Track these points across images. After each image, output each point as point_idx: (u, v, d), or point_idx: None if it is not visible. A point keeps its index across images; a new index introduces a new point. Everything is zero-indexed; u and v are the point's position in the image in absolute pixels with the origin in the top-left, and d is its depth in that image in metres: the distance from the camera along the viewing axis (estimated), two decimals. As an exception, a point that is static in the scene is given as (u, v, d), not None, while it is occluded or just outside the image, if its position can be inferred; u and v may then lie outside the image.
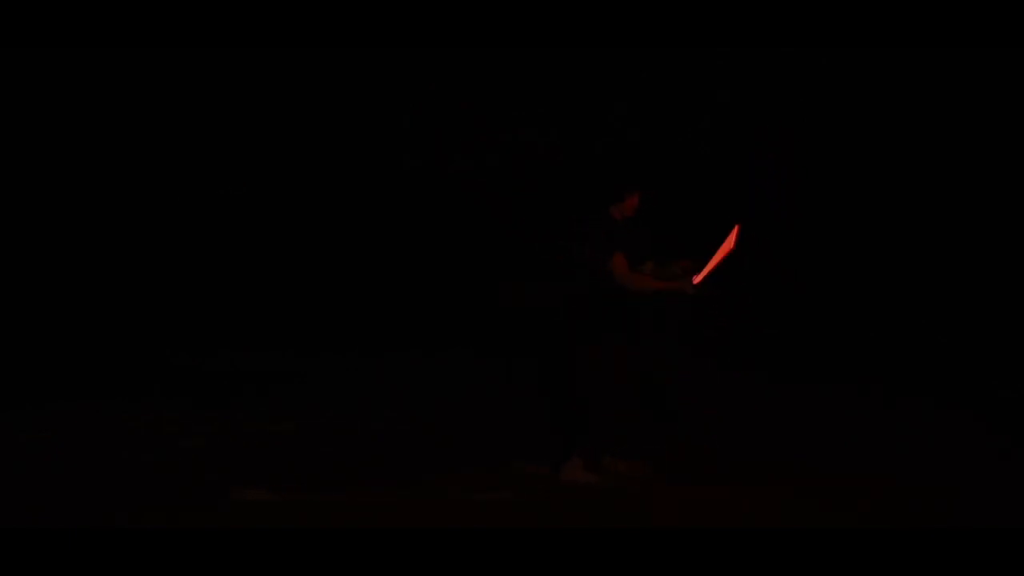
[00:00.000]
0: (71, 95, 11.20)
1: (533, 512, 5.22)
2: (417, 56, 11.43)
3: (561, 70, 11.87)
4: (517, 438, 6.87)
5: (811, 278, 11.95)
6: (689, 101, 12.03)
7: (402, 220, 12.25)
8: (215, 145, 11.67)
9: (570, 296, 6.02)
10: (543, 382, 6.62)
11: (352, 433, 7.21)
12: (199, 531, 4.67)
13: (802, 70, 11.78)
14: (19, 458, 6.29)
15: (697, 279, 5.93)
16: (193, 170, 11.67)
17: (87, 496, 5.38)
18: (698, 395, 6.33)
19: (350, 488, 5.64)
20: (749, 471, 6.22)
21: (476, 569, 4.27)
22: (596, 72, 11.85)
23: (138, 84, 11.35)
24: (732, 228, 5.84)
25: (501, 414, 7.74)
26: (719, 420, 7.41)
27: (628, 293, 5.91)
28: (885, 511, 5.32)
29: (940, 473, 6.14)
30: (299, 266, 11.85)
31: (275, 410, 8.00)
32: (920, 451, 6.77)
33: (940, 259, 11.70)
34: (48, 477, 5.80)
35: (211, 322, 11.41)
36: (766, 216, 11.48)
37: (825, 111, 11.92)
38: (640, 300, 5.96)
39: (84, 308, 11.20)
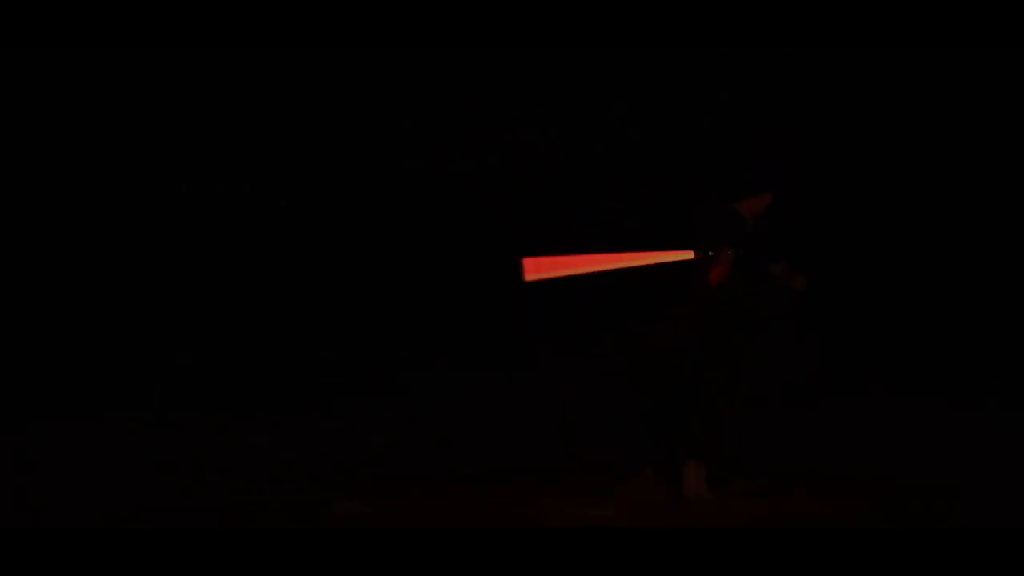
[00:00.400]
0: (71, 95, 11.18)
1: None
2: (417, 56, 11.42)
3: (561, 70, 11.86)
4: (526, 442, 6.88)
5: (811, 278, 11.92)
6: (689, 101, 12.02)
7: (402, 221, 12.24)
8: (215, 145, 11.66)
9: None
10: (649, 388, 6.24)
11: (351, 435, 7.20)
12: (199, 531, 4.66)
13: (802, 70, 11.77)
14: (19, 458, 6.28)
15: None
16: (192, 170, 11.65)
17: (87, 496, 5.38)
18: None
19: (349, 488, 5.64)
20: (747, 471, 6.22)
21: (483, 570, 4.26)
22: (596, 72, 11.84)
23: (138, 84, 11.33)
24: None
25: (504, 420, 7.73)
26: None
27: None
28: (885, 511, 5.32)
29: (940, 473, 6.13)
30: (298, 266, 11.83)
31: (275, 410, 7.99)
32: (920, 451, 6.77)
33: (940, 258, 11.68)
34: (48, 477, 5.79)
35: (209, 322, 11.38)
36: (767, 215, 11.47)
37: (824, 111, 11.91)
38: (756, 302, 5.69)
39: (84, 308, 11.18)
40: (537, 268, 5.49)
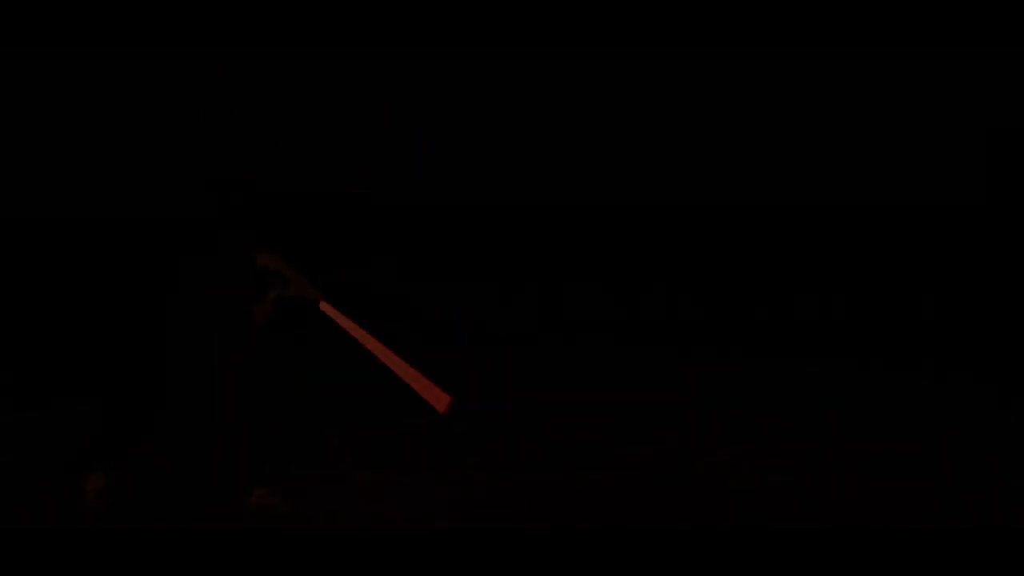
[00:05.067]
0: (69, 95, 11.16)
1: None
2: (417, 56, 11.42)
3: (562, 70, 11.87)
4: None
5: (813, 277, 11.96)
6: (689, 101, 12.03)
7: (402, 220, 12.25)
8: (212, 146, 11.64)
9: None
10: None
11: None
12: (198, 531, 4.65)
13: (804, 70, 11.78)
14: (18, 457, 6.26)
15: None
16: (188, 170, 11.63)
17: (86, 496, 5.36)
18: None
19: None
20: (747, 468, 6.22)
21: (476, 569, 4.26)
22: (596, 72, 11.85)
23: (138, 84, 11.32)
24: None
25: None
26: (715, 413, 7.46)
27: None
28: (887, 511, 5.31)
29: (941, 473, 6.12)
30: (294, 266, 11.80)
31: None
32: (920, 451, 6.75)
33: (942, 258, 11.70)
34: (47, 476, 5.77)
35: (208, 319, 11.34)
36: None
37: (827, 111, 11.93)
38: None
39: (82, 307, 11.14)
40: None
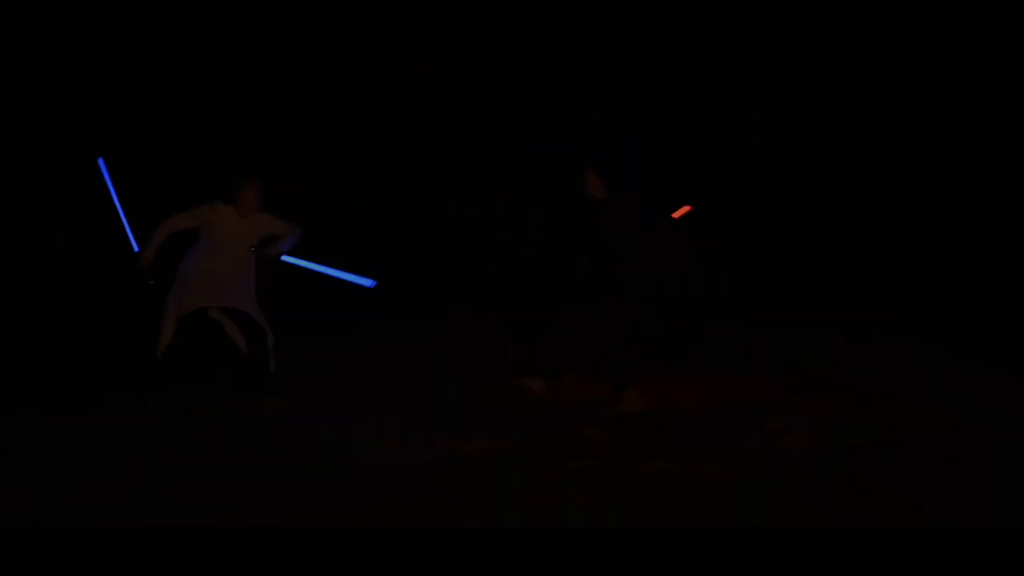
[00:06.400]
0: (69, 95, 11.18)
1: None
2: (417, 56, 11.45)
3: (562, 71, 11.90)
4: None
5: (818, 277, 12.00)
6: (693, 101, 12.05)
7: (405, 219, 12.28)
8: (211, 146, 11.65)
9: None
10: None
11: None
12: (197, 531, 4.66)
13: (804, 70, 11.80)
14: (17, 457, 6.27)
15: None
16: (186, 170, 11.64)
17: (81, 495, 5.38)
18: None
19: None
20: (750, 465, 6.21)
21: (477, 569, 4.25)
22: (597, 73, 11.88)
23: (138, 84, 11.33)
24: None
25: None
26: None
27: None
28: (886, 510, 5.30)
29: (941, 471, 6.10)
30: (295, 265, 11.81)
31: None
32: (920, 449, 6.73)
33: (944, 258, 11.73)
34: (46, 476, 5.78)
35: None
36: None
37: (830, 110, 11.98)
38: None
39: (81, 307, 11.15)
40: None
